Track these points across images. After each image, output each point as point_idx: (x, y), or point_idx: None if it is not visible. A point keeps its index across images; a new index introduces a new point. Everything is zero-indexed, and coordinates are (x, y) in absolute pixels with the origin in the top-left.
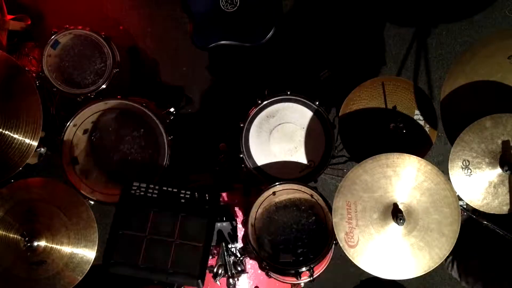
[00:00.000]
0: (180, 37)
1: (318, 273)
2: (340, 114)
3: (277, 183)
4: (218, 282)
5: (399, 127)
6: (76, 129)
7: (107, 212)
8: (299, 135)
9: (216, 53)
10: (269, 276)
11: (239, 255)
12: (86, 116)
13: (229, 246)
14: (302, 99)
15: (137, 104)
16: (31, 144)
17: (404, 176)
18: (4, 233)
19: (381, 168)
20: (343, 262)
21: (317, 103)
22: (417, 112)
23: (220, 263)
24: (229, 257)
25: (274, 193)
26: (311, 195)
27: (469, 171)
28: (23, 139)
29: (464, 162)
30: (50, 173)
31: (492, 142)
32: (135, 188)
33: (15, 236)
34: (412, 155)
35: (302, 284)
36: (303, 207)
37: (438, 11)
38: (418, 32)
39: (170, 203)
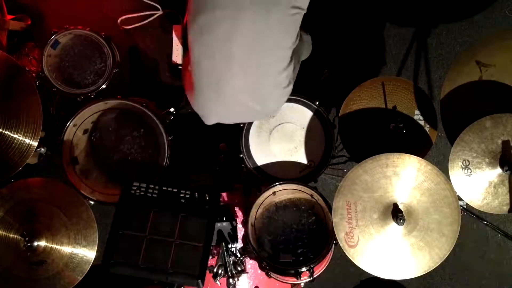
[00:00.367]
0: None
1: (318, 273)
2: (340, 114)
3: (277, 183)
4: (218, 282)
5: (399, 127)
6: (76, 129)
7: (107, 212)
8: (299, 135)
9: None
10: (269, 276)
11: (239, 255)
12: (86, 116)
13: (229, 246)
14: (302, 99)
15: (137, 104)
16: (31, 144)
17: (404, 176)
18: (4, 233)
19: (381, 168)
20: (343, 262)
21: (317, 103)
22: (417, 112)
23: (220, 263)
24: (229, 257)
25: (274, 193)
26: (311, 195)
27: (469, 171)
28: (23, 139)
29: (464, 162)
30: (50, 173)
31: (492, 142)
32: (135, 188)
33: (15, 236)
34: (412, 155)
35: (302, 284)
36: (303, 207)
37: (438, 11)
38: (418, 32)
39: (170, 203)
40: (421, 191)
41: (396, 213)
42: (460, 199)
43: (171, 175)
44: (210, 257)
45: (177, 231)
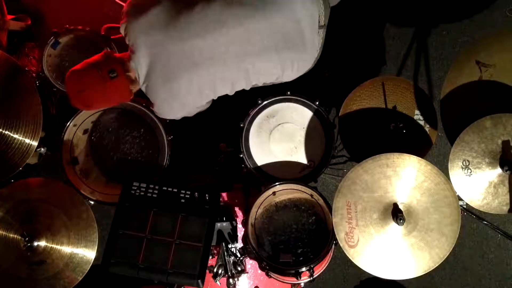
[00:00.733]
0: None
1: (318, 273)
2: (340, 114)
3: (277, 183)
4: (218, 282)
5: (399, 127)
6: (76, 129)
7: (107, 212)
8: (299, 135)
9: None
10: (269, 276)
11: (239, 255)
12: (86, 116)
13: (229, 246)
14: (302, 99)
15: (137, 104)
16: (31, 144)
17: (404, 176)
18: (4, 233)
19: (381, 168)
20: (343, 262)
21: (317, 103)
22: (417, 112)
23: (220, 263)
24: (229, 257)
25: (274, 193)
26: (311, 195)
27: (469, 171)
28: (23, 139)
29: (464, 162)
30: (50, 173)
31: (492, 142)
32: (135, 188)
33: (15, 236)
34: (412, 155)
35: (302, 284)
36: (303, 207)
37: (438, 11)
38: (418, 32)
39: (170, 203)
40: (421, 191)
41: (396, 213)
42: (460, 199)
43: (171, 175)
44: (210, 257)
45: (177, 231)
